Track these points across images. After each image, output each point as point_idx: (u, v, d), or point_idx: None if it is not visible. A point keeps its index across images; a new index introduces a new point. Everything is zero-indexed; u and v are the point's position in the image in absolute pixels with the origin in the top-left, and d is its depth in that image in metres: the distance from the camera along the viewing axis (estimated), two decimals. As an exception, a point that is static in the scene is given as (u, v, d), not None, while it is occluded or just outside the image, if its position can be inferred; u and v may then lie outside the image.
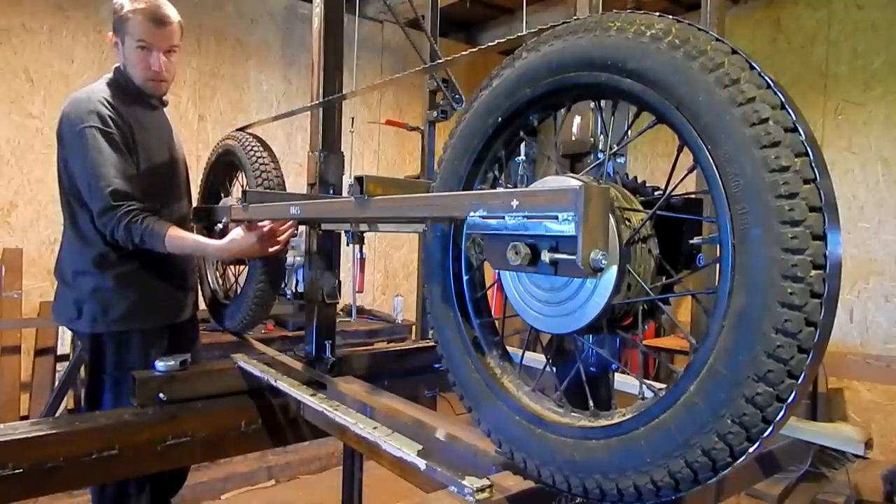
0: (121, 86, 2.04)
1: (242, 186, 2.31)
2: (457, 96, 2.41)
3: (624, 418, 0.90)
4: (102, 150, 1.90)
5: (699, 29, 0.84)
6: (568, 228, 0.86)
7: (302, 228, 2.06)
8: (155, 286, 2.06)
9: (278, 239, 1.94)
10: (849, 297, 4.47)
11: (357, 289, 2.14)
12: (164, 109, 2.20)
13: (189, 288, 2.22)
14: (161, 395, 1.78)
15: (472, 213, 1.01)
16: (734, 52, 0.80)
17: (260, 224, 1.89)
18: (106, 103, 1.95)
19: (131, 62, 2.02)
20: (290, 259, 2.14)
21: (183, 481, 2.46)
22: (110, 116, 1.93)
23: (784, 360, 0.73)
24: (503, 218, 0.96)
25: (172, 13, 2.03)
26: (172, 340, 2.12)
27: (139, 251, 1.94)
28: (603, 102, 1.06)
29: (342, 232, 1.86)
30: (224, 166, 2.42)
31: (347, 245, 1.77)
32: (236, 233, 1.94)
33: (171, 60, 2.05)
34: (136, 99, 2.06)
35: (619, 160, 1.18)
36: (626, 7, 1.09)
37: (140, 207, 1.90)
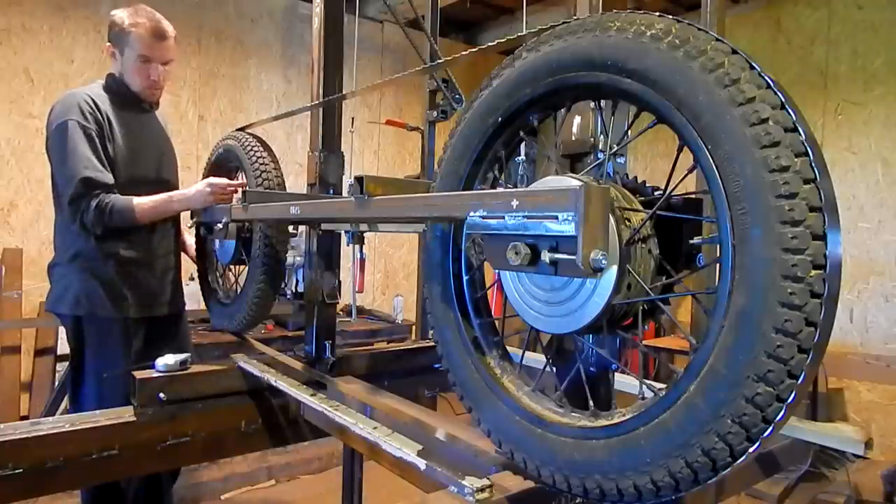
0: (112, 90, 2.18)
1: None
2: (457, 96, 2.41)
3: (624, 418, 0.90)
4: (77, 142, 2.02)
5: (699, 29, 0.84)
6: (568, 228, 0.86)
7: (302, 228, 2.06)
8: (134, 277, 2.16)
9: (223, 196, 2.11)
10: (849, 297, 4.47)
11: (357, 289, 2.14)
12: (157, 112, 2.33)
13: (169, 282, 2.30)
14: (161, 395, 1.78)
15: (472, 213, 1.00)
16: (734, 52, 0.80)
17: (218, 182, 2.10)
18: (89, 101, 2.08)
19: (131, 72, 2.17)
20: (290, 259, 2.14)
21: (177, 472, 2.49)
22: (90, 112, 2.06)
23: (784, 360, 0.73)
24: (503, 218, 0.96)
25: (170, 28, 2.18)
26: (154, 335, 2.22)
27: (118, 242, 2.10)
28: (603, 102, 1.06)
29: (342, 232, 1.86)
30: (224, 166, 2.42)
31: (347, 245, 1.77)
32: (197, 185, 2.12)
33: (166, 70, 2.22)
34: (127, 102, 2.20)
35: (619, 160, 1.18)
36: (626, 7, 1.09)
37: (107, 193, 2.04)
